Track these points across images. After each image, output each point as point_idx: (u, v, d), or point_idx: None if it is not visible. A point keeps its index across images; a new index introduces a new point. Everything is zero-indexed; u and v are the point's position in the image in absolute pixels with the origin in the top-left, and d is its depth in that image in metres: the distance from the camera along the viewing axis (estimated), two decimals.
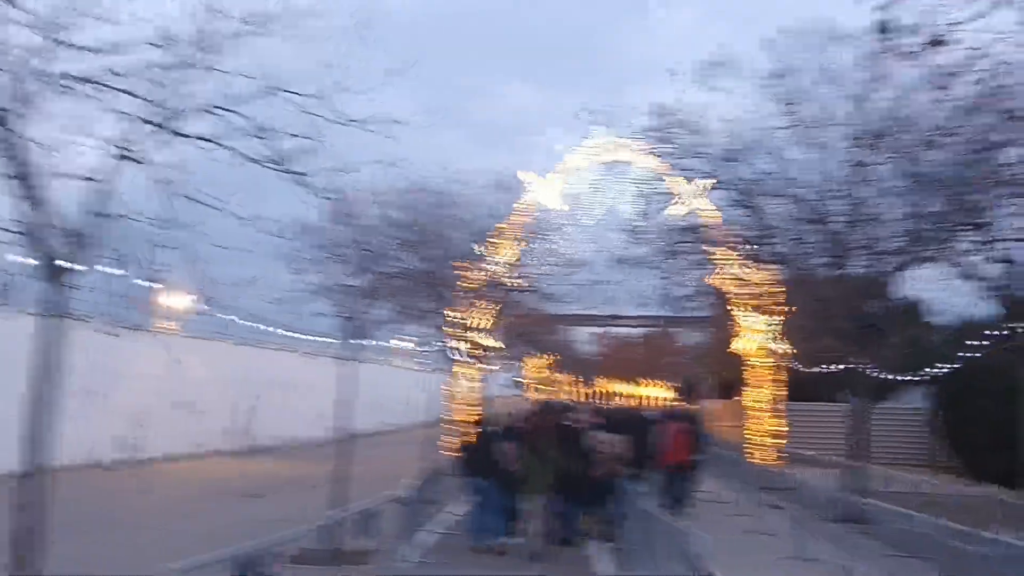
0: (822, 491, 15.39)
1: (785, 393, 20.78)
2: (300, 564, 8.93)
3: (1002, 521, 11.76)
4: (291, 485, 19.06)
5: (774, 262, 15.50)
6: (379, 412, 35.81)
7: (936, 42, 6.72)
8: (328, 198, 6.85)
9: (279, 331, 27.12)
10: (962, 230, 11.04)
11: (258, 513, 14.34)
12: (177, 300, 26.46)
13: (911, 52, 7.00)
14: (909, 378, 20.35)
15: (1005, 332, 12.59)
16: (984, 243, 10.53)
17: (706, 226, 19.18)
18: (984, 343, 15.03)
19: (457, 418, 22.18)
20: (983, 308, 18.72)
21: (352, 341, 11.93)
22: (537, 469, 10.45)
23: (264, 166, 6.13)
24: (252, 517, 13.58)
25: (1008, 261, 9.76)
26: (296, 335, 27.75)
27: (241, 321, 25.78)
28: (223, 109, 5.98)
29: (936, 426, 21.51)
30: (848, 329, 13.25)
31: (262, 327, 26.17)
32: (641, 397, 60.60)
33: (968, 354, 17.34)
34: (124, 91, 5.70)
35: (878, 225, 11.99)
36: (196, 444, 24.91)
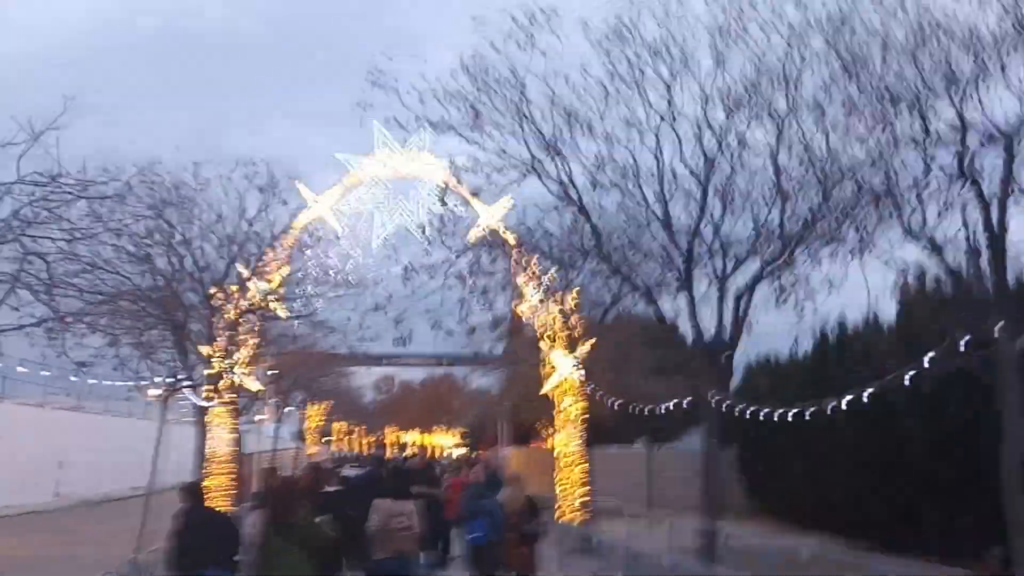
0: (657, 558, 12.83)
1: (586, 437, 18.20)
2: None
3: None
4: None
5: (592, 278, 13.20)
6: (97, 474, 29.14)
7: None
8: None
9: None
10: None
11: None
12: None
13: None
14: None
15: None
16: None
17: (510, 246, 16.78)
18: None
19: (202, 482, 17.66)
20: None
21: None
22: (283, 555, 6.90)
23: None
24: None
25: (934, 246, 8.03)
26: None
27: None
28: None
29: (742, 469, 20.18)
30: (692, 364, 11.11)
31: None
32: (430, 446, 57.33)
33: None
34: None
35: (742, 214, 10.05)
36: None
